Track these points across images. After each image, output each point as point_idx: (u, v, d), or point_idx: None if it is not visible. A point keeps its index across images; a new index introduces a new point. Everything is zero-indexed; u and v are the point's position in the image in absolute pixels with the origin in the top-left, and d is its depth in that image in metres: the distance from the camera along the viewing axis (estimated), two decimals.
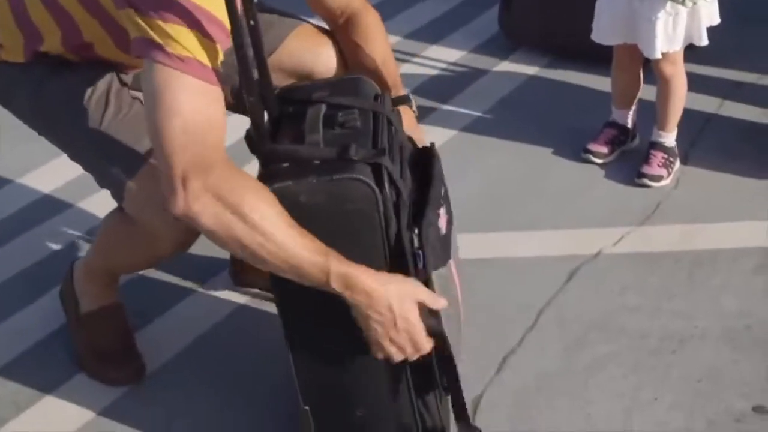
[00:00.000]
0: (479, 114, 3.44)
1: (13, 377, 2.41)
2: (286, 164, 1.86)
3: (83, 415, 2.30)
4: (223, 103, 1.79)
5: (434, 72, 3.68)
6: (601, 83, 3.43)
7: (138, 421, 2.29)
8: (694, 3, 2.85)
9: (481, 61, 3.75)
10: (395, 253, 1.86)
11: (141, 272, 2.62)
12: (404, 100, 2.18)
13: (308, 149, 1.87)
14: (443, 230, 1.97)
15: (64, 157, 2.21)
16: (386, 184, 1.84)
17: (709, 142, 3.23)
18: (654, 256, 2.75)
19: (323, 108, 1.97)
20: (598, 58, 3.53)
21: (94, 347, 2.39)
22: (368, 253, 1.84)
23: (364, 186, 1.81)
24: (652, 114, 3.08)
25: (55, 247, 2.85)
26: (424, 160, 2.06)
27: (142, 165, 2.00)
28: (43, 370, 2.42)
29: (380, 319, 1.79)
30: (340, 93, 2.04)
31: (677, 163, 3.08)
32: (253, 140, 1.94)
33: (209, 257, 2.70)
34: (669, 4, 2.83)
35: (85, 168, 2.16)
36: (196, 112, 1.73)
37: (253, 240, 1.74)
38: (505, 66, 3.73)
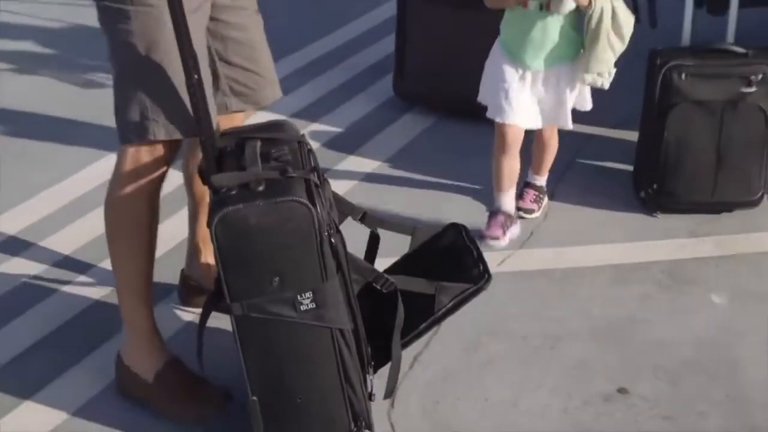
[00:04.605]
0: (381, 162, 3.55)
1: None
2: (234, 191, 1.93)
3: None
4: None
5: (341, 129, 3.79)
6: (479, 135, 3.58)
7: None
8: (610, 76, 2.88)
9: (381, 119, 3.85)
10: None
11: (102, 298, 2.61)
12: None
13: (256, 172, 1.95)
14: None
15: None
16: (316, 200, 1.94)
17: (570, 182, 3.38)
18: (531, 274, 2.89)
19: (259, 143, 2.06)
20: (476, 115, 3.70)
21: (173, 399, 2.32)
22: (307, 256, 1.94)
23: (302, 206, 1.90)
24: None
25: None
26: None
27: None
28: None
29: None
30: (269, 131, 2.14)
31: (546, 199, 3.23)
32: (205, 172, 2.01)
33: (162, 283, 2.75)
34: (589, 78, 2.85)
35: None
36: None
37: None
38: (401, 123, 3.83)
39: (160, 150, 2.17)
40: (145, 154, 2.17)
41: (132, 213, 2.25)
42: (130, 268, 2.31)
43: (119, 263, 2.32)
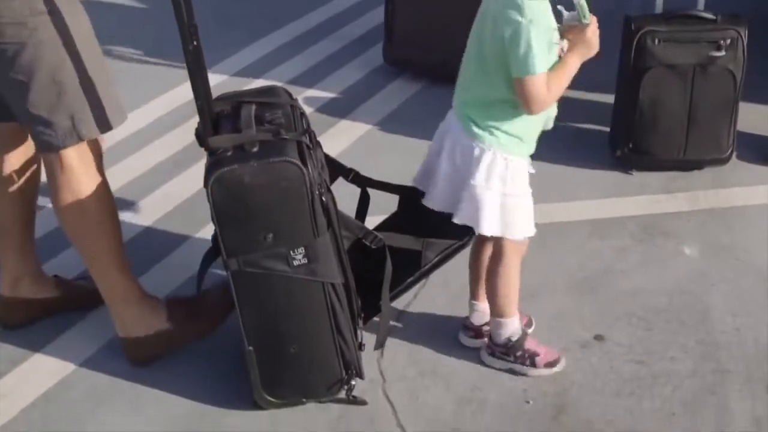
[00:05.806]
0: (372, 125, 3.50)
1: None
2: (230, 152, 1.91)
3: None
4: None
5: (334, 94, 3.74)
6: None
7: None
8: None
9: (371, 85, 3.80)
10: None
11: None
12: None
13: (250, 134, 1.92)
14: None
15: None
16: (308, 161, 1.90)
17: (550, 143, 3.28)
18: None
19: (253, 107, 2.02)
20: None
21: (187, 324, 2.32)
22: (298, 213, 1.91)
23: (294, 166, 1.87)
24: None
25: None
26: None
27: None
28: None
29: None
30: (263, 96, 2.10)
31: None
32: (201, 135, 1.97)
33: (156, 247, 2.72)
34: None
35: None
36: None
37: None
38: (391, 88, 3.78)
39: (93, 141, 2.11)
40: (82, 150, 2.09)
41: (92, 203, 2.13)
42: (110, 254, 2.21)
43: (98, 256, 2.21)
